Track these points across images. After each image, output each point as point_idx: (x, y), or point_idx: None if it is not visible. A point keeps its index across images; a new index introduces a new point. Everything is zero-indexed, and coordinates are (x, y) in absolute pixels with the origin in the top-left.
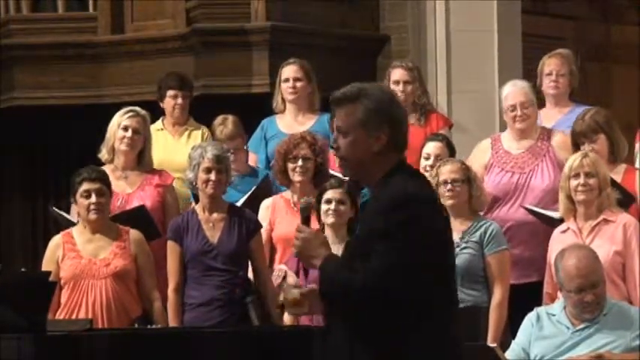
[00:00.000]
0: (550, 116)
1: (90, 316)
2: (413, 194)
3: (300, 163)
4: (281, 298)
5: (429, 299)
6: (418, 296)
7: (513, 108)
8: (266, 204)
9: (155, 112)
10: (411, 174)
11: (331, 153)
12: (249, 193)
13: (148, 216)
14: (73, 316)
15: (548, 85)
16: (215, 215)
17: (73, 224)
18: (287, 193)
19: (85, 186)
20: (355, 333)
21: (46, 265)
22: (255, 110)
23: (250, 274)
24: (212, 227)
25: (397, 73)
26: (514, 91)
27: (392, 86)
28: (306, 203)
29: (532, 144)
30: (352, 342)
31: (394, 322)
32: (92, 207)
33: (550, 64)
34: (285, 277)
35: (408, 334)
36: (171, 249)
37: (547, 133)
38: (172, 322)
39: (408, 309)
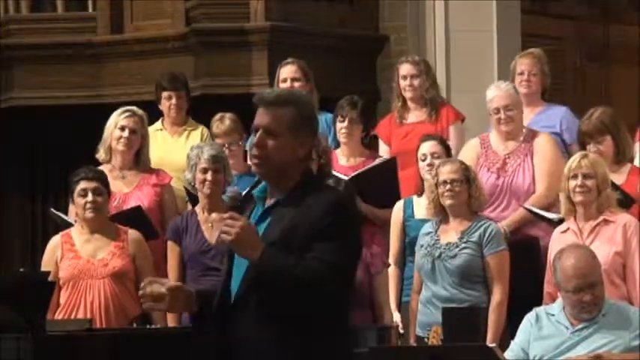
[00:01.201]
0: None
1: (88, 316)
2: (352, 198)
3: None
4: (141, 291)
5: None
6: (348, 294)
7: (497, 111)
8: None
9: (155, 112)
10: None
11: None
12: (245, 192)
13: (144, 216)
14: (72, 316)
15: (519, 85)
16: (214, 215)
17: (71, 225)
18: None
19: (81, 185)
20: (288, 328)
21: (46, 265)
22: (254, 110)
23: None
24: (211, 227)
25: (404, 69)
26: (498, 94)
27: (400, 82)
28: (234, 192)
29: (517, 146)
30: (284, 338)
31: (331, 316)
32: (88, 205)
33: (522, 64)
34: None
35: (335, 329)
36: (171, 249)
37: (532, 135)
38: (171, 322)
39: (343, 305)
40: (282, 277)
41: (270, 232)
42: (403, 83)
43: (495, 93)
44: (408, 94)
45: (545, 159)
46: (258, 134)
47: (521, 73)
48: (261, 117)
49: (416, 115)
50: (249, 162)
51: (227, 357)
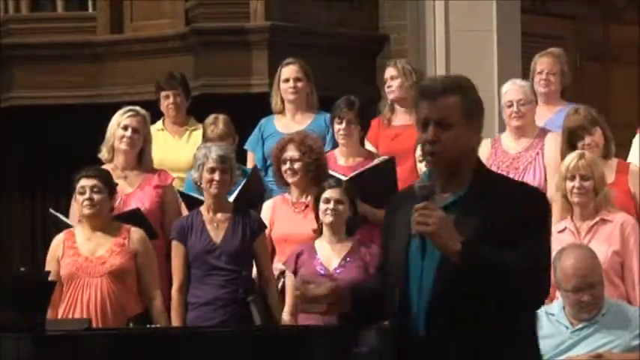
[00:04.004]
0: (540, 115)
1: (85, 314)
2: (544, 192)
3: (288, 165)
4: (296, 293)
5: None
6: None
7: (510, 104)
8: (267, 204)
9: (155, 111)
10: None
11: (329, 153)
12: (240, 186)
13: (143, 218)
14: (70, 315)
15: (539, 84)
16: (219, 215)
17: (69, 227)
18: (288, 194)
19: (81, 182)
20: (489, 323)
21: (48, 263)
22: (254, 110)
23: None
24: (216, 227)
25: (386, 72)
26: (513, 88)
27: (385, 85)
28: (423, 182)
29: (529, 143)
30: (484, 334)
31: (534, 311)
32: (85, 202)
33: (542, 63)
34: (282, 277)
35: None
36: (176, 249)
37: (544, 133)
38: (175, 322)
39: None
40: (494, 270)
41: (460, 228)
42: (385, 86)
43: (510, 87)
44: (389, 97)
45: (553, 158)
46: (430, 128)
47: (541, 72)
48: (429, 110)
49: (404, 119)
50: (248, 162)
51: (410, 357)
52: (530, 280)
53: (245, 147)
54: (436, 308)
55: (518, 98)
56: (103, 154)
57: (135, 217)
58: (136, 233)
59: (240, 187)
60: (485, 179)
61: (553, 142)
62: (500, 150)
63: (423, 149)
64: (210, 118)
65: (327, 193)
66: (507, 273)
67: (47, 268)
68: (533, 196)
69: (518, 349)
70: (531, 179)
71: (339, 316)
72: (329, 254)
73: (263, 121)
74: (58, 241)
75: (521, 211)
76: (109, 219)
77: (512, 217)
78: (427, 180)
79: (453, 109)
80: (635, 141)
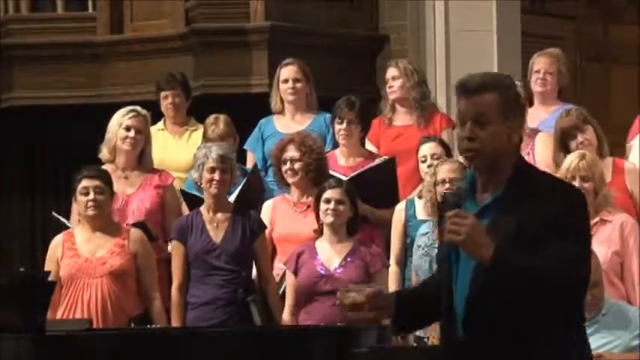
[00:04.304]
0: (536, 114)
1: (85, 315)
2: (583, 193)
3: (288, 165)
4: (337, 302)
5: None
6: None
7: None
8: (267, 204)
9: (155, 111)
10: (542, 171)
11: (329, 153)
12: (240, 186)
13: (144, 227)
14: (70, 315)
15: (535, 83)
16: (219, 215)
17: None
18: (288, 194)
19: (83, 183)
20: (532, 328)
21: (48, 264)
22: (254, 110)
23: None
24: (216, 227)
25: (388, 72)
26: None
27: (386, 85)
28: (454, 189)
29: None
30: (525, 339)
31: (575, 315)
32: (90, 204)
33: (539, 62)
34: (282, 277)
35: (577, 328)
36: (176, 249)
37: (534, 134)
38: (175, 322)
39: (581, 304)
40: (524, 276)
41: (494, 229)
42: (386, 86)
43: None
44: (390, 97)
45: (544, 158)
46: (467, 126)
47: (538, 71)
48: (466, 106)
49: (405, 119)
50: (248, 162)
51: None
52: (564, 284)
53: (245, 147)
54: (472, 312)
55: None
56: (104, 155)
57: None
58: (135, 234)
59: (240, 187)
60: (524, 178)
61: (543, 142)
62: None
63: (461, 146)
64: (211, 118)
65: (328, 194)
66: (539, 278)
67: (46, 269)
68: (569, 196)
69: (558, 351)
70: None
71: (392, 323)
72: (329, 254)
73: (263, 121)
74: (57, 241)
75: (556, 211)
76: (109, 220)
77: (547, 217)
78: (470, 179)
79: (490, 107)
80: (636, 142)
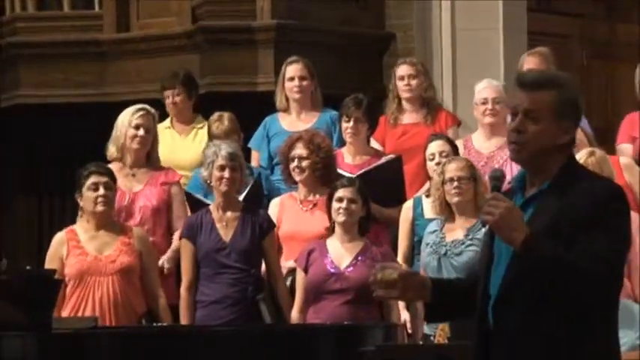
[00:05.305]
0: None
1: (97, 312)
2: (623, 189)
3: (296, 163)
4: (371, 278)
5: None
6: (620, 288)
7: (485, 101)
8: (274, 202)
9: (160, 110)
10: (590, 171)
11: (336, 151)
12: (247, 189)
13: None
14: (79, 313)
15: None
16: (229, 214)
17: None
18: (296, 192)
19: (93, 179)
20: (560, 322)
21: (50, 262)
22: (260, 108)
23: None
24: (225, 226)
25: (402, 69)
26: (488, 87)
27: (398, 82)
28: (497, 171)
29: (502, 142)
30: (554, 331)
31: (604, 311)
32: (100, 199)
33: (529, 62)
34: (292, 274)
35: (606, 324)
36: (185, 247)
37: None
38: (184, 320)
39: (615, 300)
40: (549, 265)
41: (534, 221)
42: (400, 84)
43: (485, 85)
44: (405, 95)
45: None
46: (518, 118)
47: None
48: (520, 99)
49: (412, 117)
50: (252, 160)
51: (488, 352)
52: (592, 280)
53: (249, 145)
54: (504, 296)
55: (494, 96)
56: (112, 153)
57: None
58: (138, 232)
59: (247, 190)
60: (570, 176)
61: None
62: (473, 151)
63: (509, 137)
64: (216, 115)
65: (340, 192)
66: (566, 271)
67: (48, 267)
68: (605, 191)
69: (585, 343)
70: (508, 177)
71: (425, 308)
72: (340, 253)
73: (267, 119)
74: (60, 239)
75: (591, 206)
76: (112, 217)
77: (582, 211)
78: (520, 176)
79: (544, 104)
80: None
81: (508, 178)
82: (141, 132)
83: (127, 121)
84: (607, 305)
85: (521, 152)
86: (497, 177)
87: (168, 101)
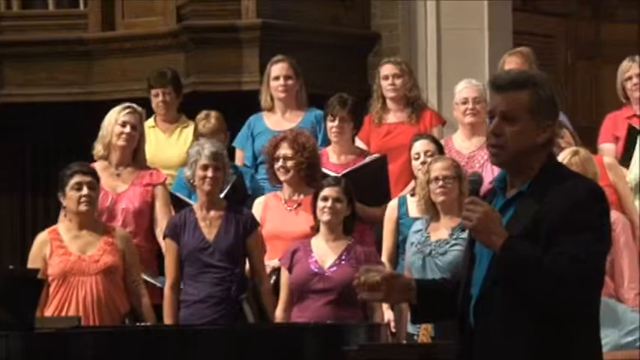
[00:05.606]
0: None
1: (81, 312)
2: (602, 189)
3: (280, 162)
4: (355, 281)
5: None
6: (599, 288)
7: (465, 101)
8: (259, 201)
9: (145, 109)
10: (570, 170)
11: (321, 151)
12: (228, 187)
13: None
14: (63, 313)
15: None
16: (212, 213)
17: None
18: (280, 192)
19: (76, 178)
20: (540, 322)
21: (33, 262)
22: (245, 107)
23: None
24: (209, 225)
25: (386, 69)
26: (468, 87)
27: (382, 82)
28: (475, 175)
29: (482, 142)
30: (534, 331)
31: (583, 311)
32: (83, 199)
33: (510, 62)
34: (275, 273)
35: (586, 324)
36: (168, 246)
37: None
38: (167, 319)
39: (594, 300)
40: (528, 268)
41: (513, 224)
42: (385, 83)
43: (465, 85)
44: (389, 94)
45: None
46: (494, 121)
47: None
48: (496, 102)
49: (396, 116)
50: (237, 159)
51: (470, 354)
52: (570, 281)
53: (233, 144)
54: (484, 296)
55: (474, 96)
56: (99, 151)
57: None
58: (121, 232)
59: (227, 188)
60: (550, 176)
61: None
62: (454, 151)
63: (488, 141)
64: (202, 113)
65: (326, 191)
66: (544, 274)
67: (30, 266)
68: (584, 192)
69: (566, 347)
70: (489, 176)
71: (411, 309)
72: (325, 252)
73: (252, 118)
74: (42, 239)
75: (570, 207)
76: (94, 216)
77: (561, 213)
78: (500, 177)
79: (519, 104)
80: (636, 152)
81: (489, 178)
82: (127, 129)
83: (113, 118)
84: (587, 305)
85: (501, 155)
86: (475, 180)
87: (157, 100)
